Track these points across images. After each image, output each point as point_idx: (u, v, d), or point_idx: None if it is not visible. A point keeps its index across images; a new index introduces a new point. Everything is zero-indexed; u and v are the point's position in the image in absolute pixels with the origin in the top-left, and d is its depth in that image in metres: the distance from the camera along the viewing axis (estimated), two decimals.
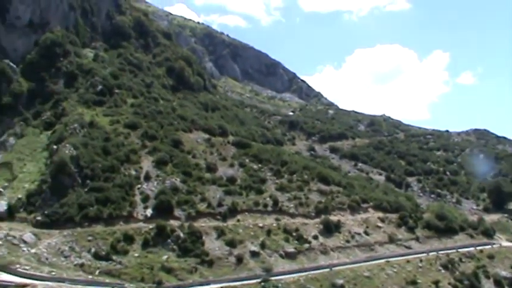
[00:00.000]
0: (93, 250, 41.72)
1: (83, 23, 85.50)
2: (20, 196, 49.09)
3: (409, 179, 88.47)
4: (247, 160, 63.75)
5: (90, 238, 43.02)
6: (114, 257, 41.31)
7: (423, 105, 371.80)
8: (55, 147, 55.50)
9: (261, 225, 50.69)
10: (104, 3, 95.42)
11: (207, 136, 68.85)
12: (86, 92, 69.59)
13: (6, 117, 62.45)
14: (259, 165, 63.09)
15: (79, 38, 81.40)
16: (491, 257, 56.86)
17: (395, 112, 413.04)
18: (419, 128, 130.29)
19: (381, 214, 59.79)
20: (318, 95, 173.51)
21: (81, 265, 39.70)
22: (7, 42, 70.86)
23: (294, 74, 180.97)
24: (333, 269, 46.38)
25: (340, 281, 44.50)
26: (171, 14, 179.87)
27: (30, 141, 59.46)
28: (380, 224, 57.61)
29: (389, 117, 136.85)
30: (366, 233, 54.64)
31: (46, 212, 46.92)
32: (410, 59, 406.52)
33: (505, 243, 63.05)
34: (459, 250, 56.41)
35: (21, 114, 63.43)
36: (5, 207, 48.27)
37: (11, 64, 67.57)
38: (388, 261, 50.19)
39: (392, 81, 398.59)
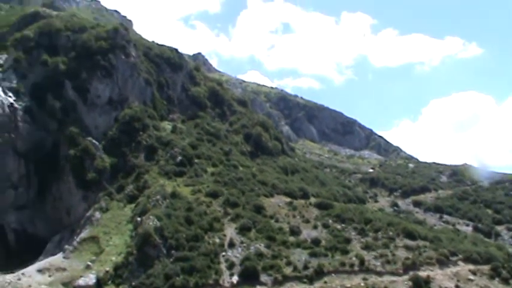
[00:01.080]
0: None
1: (160, 96, 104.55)
2: (107, 269, 60.96)
3: (498, 228, 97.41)
4: (330, 221, 72.20)
5: None
6: None
7: (506, 149, 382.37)
8: (139, 219, 67.89)
9: (348, 285, 56.93)
10: (179, 76, 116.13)
11: (288, 199, 79.28)
12: (166, 163, 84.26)
13: (91, 192, 78.73)
14: (343, 225, 71.33)
15: (157, 112, 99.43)
16: None
17: (477, 159, 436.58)
18: (505, 174, 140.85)
19: (471, 266, 63.93)
20: (397, 150, 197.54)
21: None
22: (89, 121, 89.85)
23: (371, 130, 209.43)
24: None
25: None
26: (244, 81, 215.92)
27: (115, 215, 73.25)
28: (472, 277, 61.47)
29: (471, 165, 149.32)
30: (458, 287, 58.94)
31: (133, 284, 57.56)
32: (487, 104, 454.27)
33: None
34: None
35: (106, 189, 78.93)
36: (94, 281, 60.30)
37: (94, 141, 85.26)
38: None
39: (471, 128, 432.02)
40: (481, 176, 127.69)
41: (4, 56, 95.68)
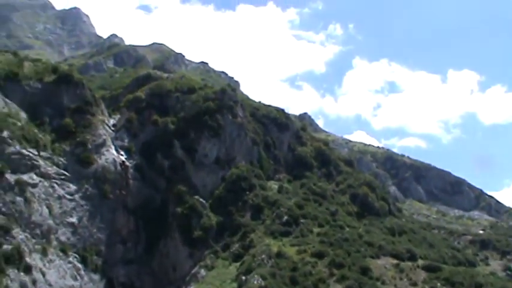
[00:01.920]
0: None
1: (266, 156, 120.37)
2: None
3: None
4: (438, 284, 79.32)
5: None
6: None
7: None
8: (244, 278, 79.32)
9: None
10: (285, 136, 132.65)
11: (395, 261, 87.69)
12: (272, 223, 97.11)
13: (197, 250, 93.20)
14: None
15: (263, 171, 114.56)
16: None
17: None
18: None
19: None
20: (509, 211, 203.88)
21: None
22: (197, 180, 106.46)
23: (481, 190, 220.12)
24: None
25: None
26: (350, 141, 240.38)
27: (220, 273, 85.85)
28: None
29: None
30: None
31: None
32: None
33: None
34: None
35: (212, 247, 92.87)
36: None
37: (201, 200, 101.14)
38: None
39: None
40: None
41: (117, 117, 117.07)
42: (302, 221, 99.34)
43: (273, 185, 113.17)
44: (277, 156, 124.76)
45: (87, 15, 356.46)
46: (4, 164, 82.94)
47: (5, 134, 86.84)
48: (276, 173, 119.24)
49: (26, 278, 75.28)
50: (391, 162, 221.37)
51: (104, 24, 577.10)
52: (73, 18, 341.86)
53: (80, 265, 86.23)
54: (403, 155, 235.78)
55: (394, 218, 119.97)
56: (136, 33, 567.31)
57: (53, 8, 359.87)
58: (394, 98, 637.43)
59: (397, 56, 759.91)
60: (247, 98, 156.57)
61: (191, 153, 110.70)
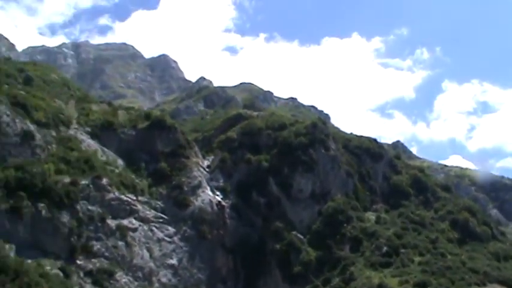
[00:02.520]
0: None
1: (362, 187, 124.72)
2: None
3: None
4: None
5: None
6: None
7: None
8: None
9: None
10: (379, 165, 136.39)
11: None
12: (371, 254, 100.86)
13: (297, 286, 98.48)
14: None
15: (359, 203, 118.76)
16: None
17: None
18: None
19: None
20: None
21: None
22: (293, 215, 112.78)
23: None
24: None
25: None
26: (446, 166, 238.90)
27: None
28: None
29: None
30: None
31: None
32: None
33: None
34: None
35: (312, 282, 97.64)
36: None
37: (299, 235, 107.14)
38: None
39: None
40: None
41: (211, 158, 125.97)
42: (402, 250, 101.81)
43: (370, 215, 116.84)
44: (372, 187, 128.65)
45: (175, 61, 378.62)
46: (105, 210, 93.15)
47: (104, 181, 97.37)
48: (372, 204, 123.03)
49: None
50: (490, 185, 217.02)
51: (192, 68, 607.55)
52: (162, 65, 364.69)
53: None
54: (502, 177, 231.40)
55: (498, 243, 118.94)
56: (223, 75, 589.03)
57: (142, 56, 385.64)
58: (488, 118, 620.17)
59: (488, 75, 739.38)
60: (339, 130, 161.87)
61: (286, 189, 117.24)
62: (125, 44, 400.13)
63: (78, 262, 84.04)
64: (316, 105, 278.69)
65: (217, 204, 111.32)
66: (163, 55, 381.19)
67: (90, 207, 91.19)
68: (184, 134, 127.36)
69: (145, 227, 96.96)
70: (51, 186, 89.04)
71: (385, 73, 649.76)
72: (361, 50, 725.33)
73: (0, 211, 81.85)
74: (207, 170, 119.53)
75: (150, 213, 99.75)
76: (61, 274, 79.03)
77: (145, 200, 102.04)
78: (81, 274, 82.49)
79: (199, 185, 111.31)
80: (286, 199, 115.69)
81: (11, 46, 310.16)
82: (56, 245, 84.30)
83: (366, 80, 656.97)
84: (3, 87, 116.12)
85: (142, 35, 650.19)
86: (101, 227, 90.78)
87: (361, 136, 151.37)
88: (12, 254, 72.11)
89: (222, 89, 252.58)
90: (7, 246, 73.15)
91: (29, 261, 73.92)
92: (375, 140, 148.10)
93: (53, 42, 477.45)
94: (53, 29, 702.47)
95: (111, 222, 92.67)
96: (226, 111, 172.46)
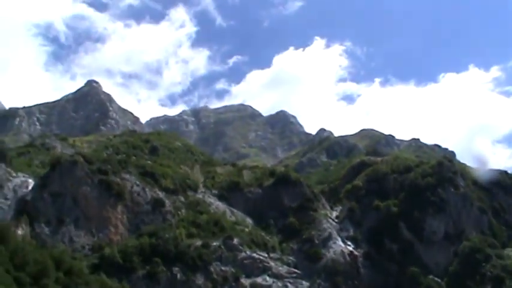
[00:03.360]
0: None
1: (497, 222, 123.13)
2: None
3: None
4: None
5: None
6: None
7: None
8: None
9: None
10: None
11: None
12: None
13: None
14: None
15: (496, 239, 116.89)
16: None
17: None
18: None
19: None
20: None
21: None
22: (428, 258, 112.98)
23: None
24: None
25: None
26: None
27: None
28: None
29: None
30: None
31: None
32: None
33: None
34: None
35: None
36: None
37: (436, 279, 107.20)
38: None
39: None
40: None
41: (339, 208, 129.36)
42: None
43: (510, 252, 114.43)
44: (508, 221, 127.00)
45: (293, 116, 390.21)
46: (238, 270, 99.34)
47: (236, 241, 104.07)
48: (510, 239, 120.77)
49: None
50: None
51: (311, 120, 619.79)
52: (281, 121, 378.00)
53: None
54: None
55: None
56: (343, 124, 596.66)
57: (261, 115, 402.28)
58: None
59: None
60: (465, 166, 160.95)
61: (418, 233, 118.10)
62: (242, 104, 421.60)
63: None
64: (439, 144, 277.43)
65: (349, 255, 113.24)
66: (282, 111, 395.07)
67: (223, 268, 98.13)
68: (310, 187, 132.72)
69: (279, 284, 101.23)
70: (184, 250, 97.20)
71: (507, 102, 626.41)
72: (479, 82, 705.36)
73: (138, 277, 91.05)
74: (336, 220, 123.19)
75: (283, 269, 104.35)
76: None
77: (277, 256, 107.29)
78: None
79: (329, 237, 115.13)
80: (420, 243, 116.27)
81: (136, 119, 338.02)
82: None
83: (488, 111, 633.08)
84: (131, 159, 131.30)
85: (258, 94, 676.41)
86: (235, 286, 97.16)
87: (491, 169, 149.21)
88: None
89: (343, 138, 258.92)
90: None
91: None
92: (505, 172, 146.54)
93: (173, 111, 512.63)
94: (172, 99, 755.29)
95: (245, 281, 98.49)
96: (350, 160, 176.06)
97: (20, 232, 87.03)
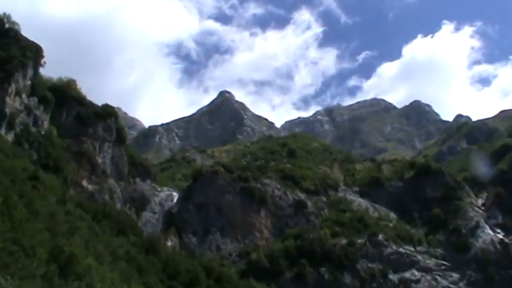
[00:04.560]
0: None
1: None
2: None
3: None
4: None
5: None
6: None
7: None
8: None
9: None
10: None
11: None
12: None
13: None
14: None
15: None
16: None
17: None
18: None
19: None
20: None
21: None
22: None
23: None
24: None
25: None
26: None
27: None
28: None
29: None
30: None
31: None
32: None
33: None
34: None
35: None
36: None
37: None
38: None
39: None
40: None
41: (484, 195, 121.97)
42: None
43: None
44: None
45: (428, 105, 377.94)
46: (385, 266, 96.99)
47: (381, 237, 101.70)
48: None
49: None
50: None
51: (446, 107, 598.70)
52: (416, 112, 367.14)
53: None
54: None
55: None
56: (479, 107, 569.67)
57: (395, 107, 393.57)
58: None
59: None
60: None
61: None
62: (375, 99, 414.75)
63: None
64: None
65: (499, 243, 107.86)
66: (416, 101, 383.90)
67: (370, 265, 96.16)
68: (452, 175, 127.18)
69: (428, 277, 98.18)
70: (330, 249, 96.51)
71: None
72: None
73: (286, 280, 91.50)
74: (482, 208, 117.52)
75: (431, 262, 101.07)
76: None
77: (424, 249, 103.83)
78: None
79: (477, 226, 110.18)
80: None
81: (270, 125, 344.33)
82: None
83: None
84: (270, 164, 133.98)
85: (391, 86, 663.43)
86: (383, 283, 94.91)
87: None
88: None
89: (482, 122, 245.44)
90: None
91: None
92: None
93: (308, 113, 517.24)
94: (306, 101, 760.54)
95: (393, 277, 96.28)
96: (491, 144, 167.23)
97: (169, 243, 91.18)
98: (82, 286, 26.74)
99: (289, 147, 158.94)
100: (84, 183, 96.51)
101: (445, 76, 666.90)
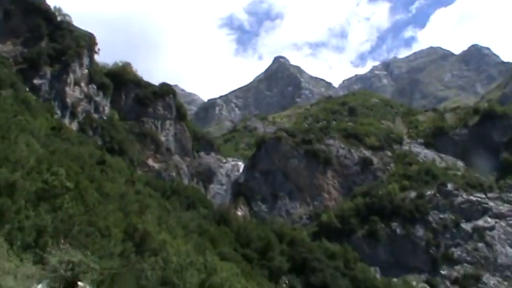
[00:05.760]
0: None
1: None
2: None
3: None
4: None
5: None
6: None
7: None
8: None
9: None
10: None
11: None
12: None
13: None
14: None
15: None
16: None
17: None
18: None
19: None
20: None
21: None
22: None
23: None
24: None
25: None
26: None
27: None
28: None
29: None
30: None
31: None
32: None
33: None
34: None
35: None
36: None
37: None
38: None
39: None
40: None
41: None
42: None
43: None
44: None
45: (487, 48, 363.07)
46: (457, 215, 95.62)
47: (450, 186, 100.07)
48: None
49: None
50: None
51: (507, 48, 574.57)
52: (475, 56, 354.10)
53: None
54: None
55: None
56: None
57: (453, 54, 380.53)
58: None
59: None
60: None
61: None
62: (432, 47, 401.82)
63: (442, 272, 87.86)
64: None
65: None
66: (474, 45, 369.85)
67: (441, 216, 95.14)
68: None
69: (503, 223, 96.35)
70: (400, 204, 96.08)
71: None
72: None
73: (359, 237, 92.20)
74: None
75: (504, 208, 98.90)
76: (427, 287, 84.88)
77: (496, 195, 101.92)
78: (448, 283, 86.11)
79: None
80: None
81: (328, 85, 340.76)
82: (417, 259, 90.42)
83: None
84: (332, 124, 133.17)
85: (446, 33, 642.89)
86: (456, 232, 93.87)
87: None
88: (378, 276, 79.02)
89: None
90: (372, 268, 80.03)
91: (395, 279, 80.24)
92: None
93: (364, 69, 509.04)
94: (363, 57, 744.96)
95: (466, 226, 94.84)
96: None
97: (239, 213, 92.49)
98: (158, 261, 27.40)
99: (349, 106, 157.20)
100: (150, 162, 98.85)
101: (501, 16, 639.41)
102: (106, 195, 40.04)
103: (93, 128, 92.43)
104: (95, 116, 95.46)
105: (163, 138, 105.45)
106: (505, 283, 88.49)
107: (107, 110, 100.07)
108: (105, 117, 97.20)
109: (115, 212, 36.05)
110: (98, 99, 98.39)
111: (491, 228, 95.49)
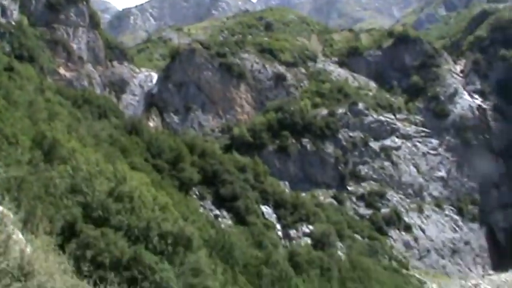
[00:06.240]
0: None
1: None
2: None
3: None
4: None
5: None
6: None
7: None
8: None
9: None
10: None
11: None
12: None
13: None
14: None
15: None
16: None
17: None
18: None
19: None
20: None
21: None
22: None
23: None
24: None
25: None
26: None
27: None
28: None
29: None
30: None
31: None
32: None
33: None
34: None
35: None
36: None
37: None
38: None
39: None
40: None
41: (463, 62, 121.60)
42: None
43: None
44: None
45: None
46: (366, 134, 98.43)
47: (361, 106, 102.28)
48: None
49: (408, 237, 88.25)
50: None
51: None
52: None
53: (456, 217, 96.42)
54: None
55: None
56: None
57: None
58: None
59: None
60: None
61: None
62: None
63: (349, 188, 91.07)
64: None
65: (477, 109, 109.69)
66: None
67: (351, 134, 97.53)
68: (431, 43, 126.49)
69: (409, 144, 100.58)
70: (311, 120, 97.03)
71: None
72: None
73: (270, 152, 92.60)
74: (460, 75, 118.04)
75: (411, 129, 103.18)
76: (334, 202, 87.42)
77: (404, 116, 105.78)
78: (354, 199, 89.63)
79: (455, 92, 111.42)
80: None
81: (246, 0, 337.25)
82: (326, 175, 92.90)
83: None
84: (248, 38, 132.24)
85: None
86: (365, 151, 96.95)
87: None
88: (287, 190, 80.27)
89: None
90: (281, 183, 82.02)
91: (303, 194, 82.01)
92: None
93: None
94: None
95: (374, 145, 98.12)
96: (470, 10, 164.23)
97: (151, 124, 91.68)
98: (67, 169, 27.28)
99: (266, 21, 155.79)
100: (61, 70, 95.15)
101: None
102: (14, 102, 38.75)
103: (1, 33, 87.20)
104: (2, 20, 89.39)
105: (75, 46, 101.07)
106: (407, 200, 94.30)
107: (16, 14, 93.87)
108: (13, 22, 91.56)
109: (23, 119, 35.05)
110: (5, 2, 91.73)
111: (398, 148, 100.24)
